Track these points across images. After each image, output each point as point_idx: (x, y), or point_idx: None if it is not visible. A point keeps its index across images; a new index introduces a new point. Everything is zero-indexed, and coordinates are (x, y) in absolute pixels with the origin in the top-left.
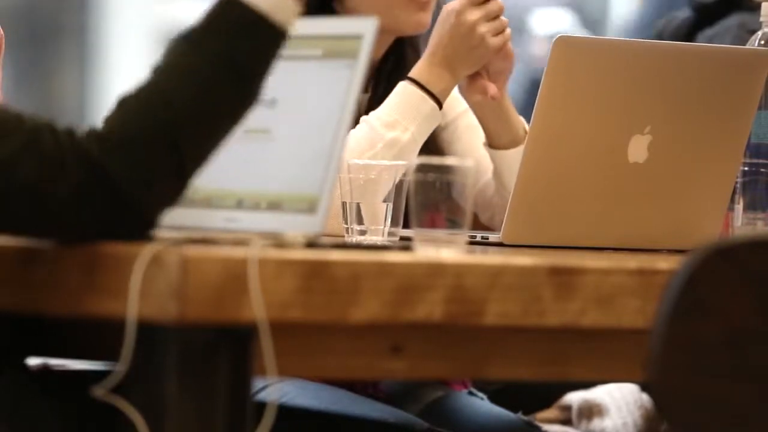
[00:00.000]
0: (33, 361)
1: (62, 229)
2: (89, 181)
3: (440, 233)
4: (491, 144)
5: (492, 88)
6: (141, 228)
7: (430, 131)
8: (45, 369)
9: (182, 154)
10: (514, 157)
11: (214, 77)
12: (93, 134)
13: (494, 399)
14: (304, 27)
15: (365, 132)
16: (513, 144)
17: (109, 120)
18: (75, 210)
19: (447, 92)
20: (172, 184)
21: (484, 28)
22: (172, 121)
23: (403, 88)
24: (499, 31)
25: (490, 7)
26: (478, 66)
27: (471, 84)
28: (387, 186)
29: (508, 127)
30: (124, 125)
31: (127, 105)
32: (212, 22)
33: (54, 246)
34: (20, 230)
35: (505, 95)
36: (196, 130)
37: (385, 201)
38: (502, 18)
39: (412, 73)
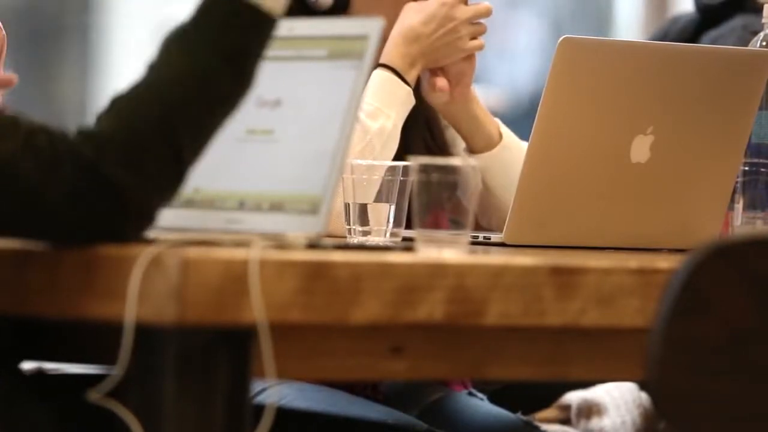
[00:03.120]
0: (28, 365)
1: (59, 230)
2: (84, 182)
3: (442, 234)
4: (469, 149)
5: (440, 81)
6: (137, 227)
7: (406, 116)
8: (40, 373)
9: (177, 150)
10: (490, 160)
11: (207, 71)
12: (85, 134)
13: (494, 399)
14: (309, 27)
15: None
16: (488, 147)
17: (102, 119)
18: (71, 211)
19: (415, 78)
20: (168, 181)
21: (465, 30)
22: (166, 118)
23: (379, 75)
24: (477, 35)
25: (480, 9)
26: (443, 62)
27: (429, 80)
28: (378, 183)
29: (480, 130)
30: (117, 124)
31: (119, 104)
32: (202, 16)
33: (51, 248)
34: (17, 232)
35: (473, 98)
36: (191, 125)
37: (387, 202)
38: (484, 22)
39: (385, 59)
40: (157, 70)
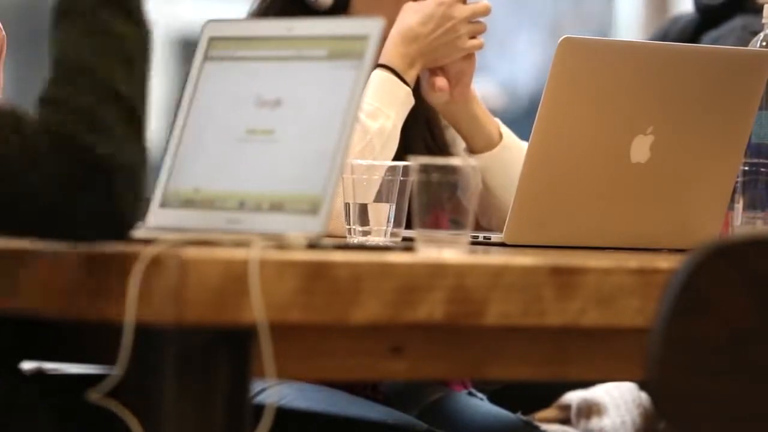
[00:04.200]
0: (28, 365)
1: (50, 219)
2: (60, 158)
3: (442, 234)
4: (469, 149)
5: (440, 80)
6: (126, 195)
7: (406, 116)
8: (40, 373)
9: (125, 104)
10: (490, 160)
11: (103, 24)
12: (40, 112)
13: (494, 399)
14: (309, 27)
15: None
16: (488, 147)
17: (42, 98)
18: (58, 191)
19: (414, 78)
20: (132, 133)
21: (464, 29)
22: (94, 79)
23: (378, 75)
24: (476, 34)
25: (478, 8)
26: (442, 61)
27: (429, 80)
28: (378, 183)
29: (480, 130)
30: (53, 94)
31: (50, 86)
32: None
33: (51, 248)
34: (16, 228)
35: (473, 98)
36: (118, 77)
37: (387, 202)
38: (483, 21)
39: (384, 59)
40: (61, 42)
